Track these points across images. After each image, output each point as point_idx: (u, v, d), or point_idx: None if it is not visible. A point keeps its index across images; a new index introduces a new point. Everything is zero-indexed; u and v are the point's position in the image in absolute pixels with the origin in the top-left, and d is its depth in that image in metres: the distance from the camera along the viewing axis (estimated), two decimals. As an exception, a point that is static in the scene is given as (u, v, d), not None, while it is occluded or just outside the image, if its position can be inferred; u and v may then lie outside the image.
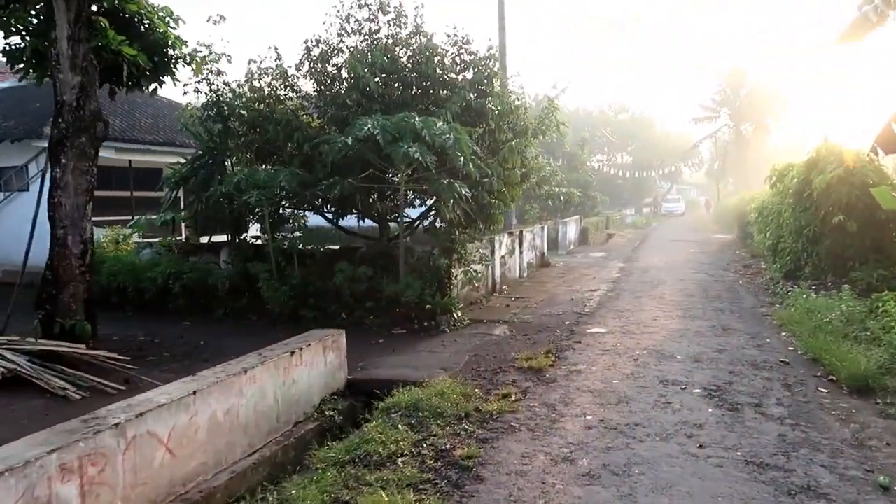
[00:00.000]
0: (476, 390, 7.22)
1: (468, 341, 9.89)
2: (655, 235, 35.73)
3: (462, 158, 10.67)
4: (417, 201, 13.86)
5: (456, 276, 11.72)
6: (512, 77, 18.28)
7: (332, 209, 13.22)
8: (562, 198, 20.43)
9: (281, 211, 13.00)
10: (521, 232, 17.52)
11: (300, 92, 13.68)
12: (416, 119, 10.47)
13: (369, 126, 10.31)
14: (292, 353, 6.76)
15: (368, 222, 14.58)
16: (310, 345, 7.14)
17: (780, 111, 50.51)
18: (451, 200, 10.92)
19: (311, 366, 7.10)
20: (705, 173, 73.81)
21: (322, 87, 13.38)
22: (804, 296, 11.82)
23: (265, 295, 11.54)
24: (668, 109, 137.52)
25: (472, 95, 12.93)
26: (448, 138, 10.35)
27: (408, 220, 13.86)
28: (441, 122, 10.84)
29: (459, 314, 11.18)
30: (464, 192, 10.68)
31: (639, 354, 8.64)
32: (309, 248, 11.84)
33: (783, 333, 9.84)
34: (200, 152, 13.47)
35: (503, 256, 15.66)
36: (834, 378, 7.32)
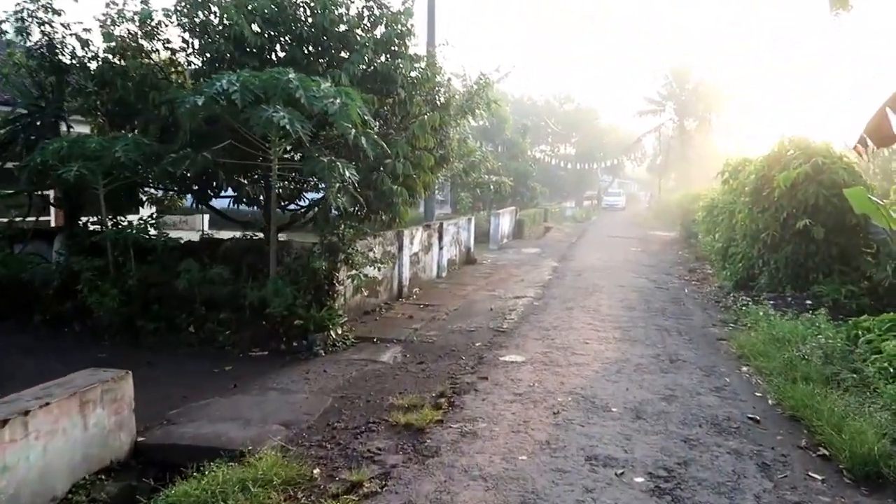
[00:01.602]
0: (316, 471, 4.79)
1: (341, 372, 7.42)
2: (595, 230, 34.01)
3: (352, 131, 8.16)
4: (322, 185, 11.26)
5: (341, 281, 9.20)
6: (440, 46, 15.86)
7: (202, 189, 10.46)
8: (491, 187, 18.16)
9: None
10: (440, 225, 15.11)
11: (170, 44, 10.83)
12: (291, 76, 7.89)
13: (224, 82, 7.68)
14: (5, 422, 4.15)
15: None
16: (52, 403, 4.51)
17: (724, 107, 49.66)
18: (337, 185, 8.39)
19: (52, 436, 4.50)
20: (647, 168, 73.31)
21: (194, 38, 10.59)
22: (765, 316, 9.83)
23: (87, 299, 8.76)
24: (615, 102, 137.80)
25: (382, 58, 10.43)
26: (331, 103, 7.80)
27: (298, 208, 11.29)
28: (328, 84, 8.29)
29: (341, 331, 8.70)
30: (349, 174, 8.16)
31: (561, 403, 6.34)
32: (148, 238, 9.05)
33: (745, 368, 7.75)
34: (23, 111, 10.46)
35: (416, 254, 13.22)
36: (827, 454, 5.18)
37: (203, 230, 18.97)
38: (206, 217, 19.92)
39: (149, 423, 5.67)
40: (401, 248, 12.05)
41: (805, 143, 12.30)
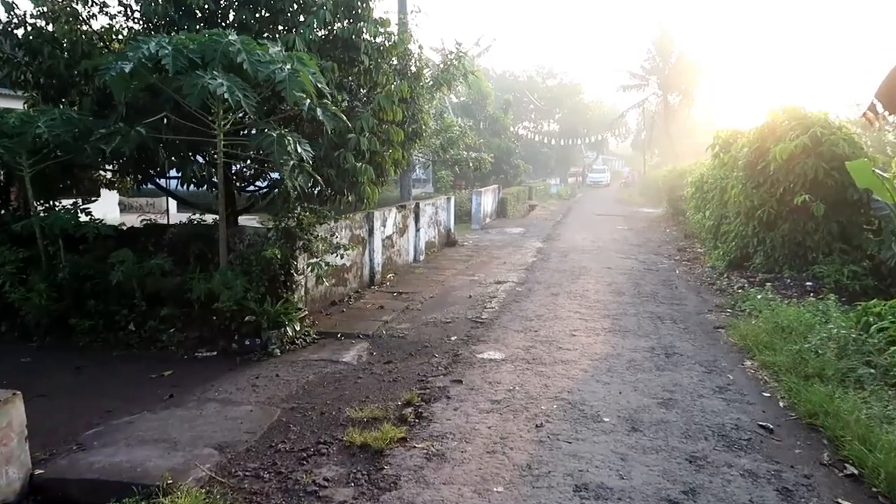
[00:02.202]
0: (246, 511, 3.91)
1: (296, 376, 6.53)
2: (580, 208, 33.24)
3: (307, 102, 7.21)
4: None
5: (300, 271, 8.28)
6: (412, 13, 14.82)
7: (142, 169, 9.43)
8: (471, 164, 17.22)
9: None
10: (416, 205, 14.18)
11: (107, 8, 9.72)
12: (233, 38, 6.90)
13: (153, 45, 6.70)
14: None
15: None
16: None
17: (708, 81, 48.85)
18: (292, 163, 7.42)
19: None
20: (631, 144, 72.63)
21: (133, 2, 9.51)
22: (765, 300, 9.07)
23: (7, 295, 7.78)
24: (598, 77, 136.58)
25: (343, 22, 9.44)
26: (279, 70, 6.83)
27: (257, 189, 10.31)
28: (277, 49, 7.31)
29: (299, 327, 7.78)
30: (301, 149, 7.20)
31: (545, 412, 5.50)
32: (76, 225, 8.02)
33: (748, 363, 6.95)
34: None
35: (389, 237, 12.30)
36: (857, 473, 4.39)
37: (169, 214, 17.92)
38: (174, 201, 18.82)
39: (56, 449, 4.77)
40: (371, 232, 11.12)
41: (801, 113, 11.48)
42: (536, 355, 7.16)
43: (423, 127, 11.62)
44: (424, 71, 12.05)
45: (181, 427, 5.19)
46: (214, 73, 6.62)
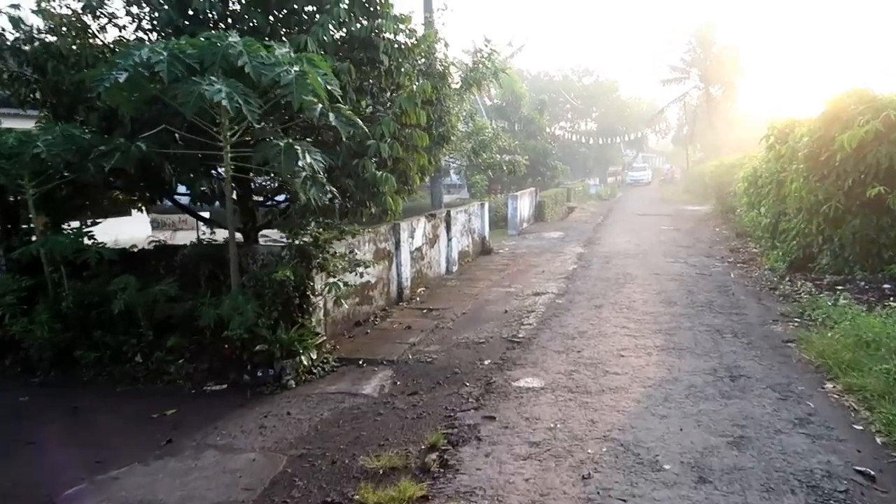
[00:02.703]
0: None
1: (309, 414, 5.83)
2: (621, 208, 32.01)
3: (318, 107, 6.58)
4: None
5: (318, 292, 7.60)
6: (439, 11, 14.16)
7: (150, 187, 8.91)
8: (504, 167, 16.40)
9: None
10: (447, 213, 13.42)
11: (116, 19, 9.29)
12: (233, 40, 6.29)
13: (145, 52, 6.14)
14: None
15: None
16: None
17: (753, 71, 46.83)
18: (303, 174, 6.76)
19: None
20: (672, 140, 70.56)
21: (134, 6, 9.03)
22: (839, 307, 8.02)
23: (9, 327, 7.30)
24: (635, 73, 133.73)
25: (360, 20, 8.81)
26: (284, 72, 6.19)
27: (275, 203, 9.72)
28: (285, 50, 6.66)
29: (315, 355, 7.08)
30: (311, 159, 6.52)
31: (593, 457, 4.66)
32: (79, 249, 7.48)
33: (830, 385, 5.97)
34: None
35: (418, 249, 11.57)
36: None
37: (199, 231, 17.59)
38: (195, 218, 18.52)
39: (26, 517, 4.14)
40: (398, 245, 10.40)
41: (869, 95, 10.32)
42: (580, 382, 6.30)
43: (451, 130, 10.86)
44: (451, 70, 11.30)
45: (171, 484, 4.52)
46: (212, 78, 6.00)
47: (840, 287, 9.68)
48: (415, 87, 8.81)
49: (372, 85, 9.36)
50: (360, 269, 7.78)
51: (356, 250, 8.94)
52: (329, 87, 6.68)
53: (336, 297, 7.40)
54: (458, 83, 13.59)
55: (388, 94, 9.53)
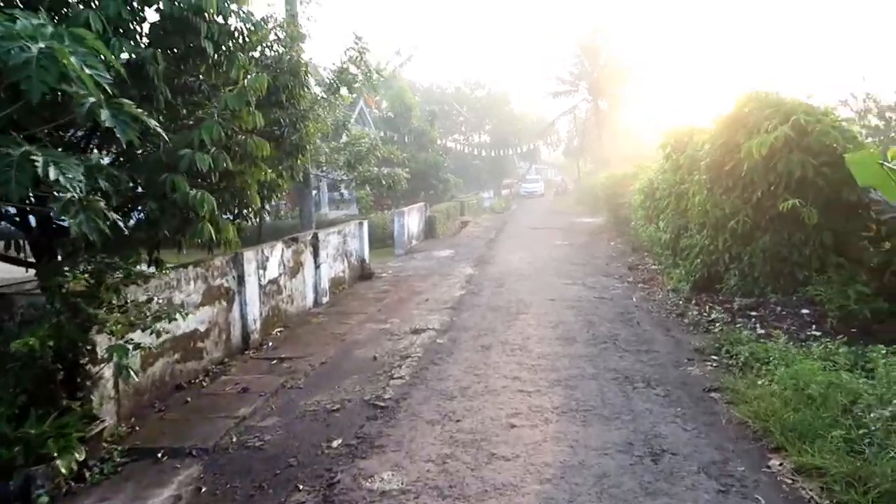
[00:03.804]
0: None
1: (35, 571, 3.72)
2: (515, 222, 31.10)
3: (88, 100, 4.52)
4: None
5: (102, 358, 5.46)
6: (303, 3, 12.25)
7: None
8: (383, 181, 14.70)
9: None
10: (314, 237, 11.44)
11: None
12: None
13: None
14: None
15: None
16: None
17: (642, 82, 47.79)
18: (68, 196, 4.64)
19: None
20: (563, 152, 71.65)
21: None
22: (766, 346, 6.80)
23: None
24: (526, 85, 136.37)
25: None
26: (19, 48, 4.09)
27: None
28: (37, 21, 4.52)
29: (81, 456, 4.92)
30: (57, 174, 4.42)
31: None
32: None
33: (775, 463, 4.56)
34: None
35: (273, 281, 9.52)
36: None
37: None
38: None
39: None
40: (241, 280, 8.34)
41: (776, 98, 9.38)
42: (456, 476, 4.56)
43: (308, 138, 8.96)
44: (308, 68, 9.40)
45: None
46: None
47: (754, 313, 8.60)
48: (246, 81, 6.84)
49: (200, 82, 7.35)
50: (160, 326, 5.62)
51: (175, 292, 6.84)
52: (91, 73, 4.63)
53: (120, 366, 5.26)
54: (319, 85, 11.76)
55: (224, 92, 7.54)
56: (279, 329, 9.44)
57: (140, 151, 6.59)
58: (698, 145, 10.83)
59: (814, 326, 7.75)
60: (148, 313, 5.69)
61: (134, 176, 6.23)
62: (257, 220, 13.50)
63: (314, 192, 29.40)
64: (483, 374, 6.86)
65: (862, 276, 8.13)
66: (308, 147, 9.04)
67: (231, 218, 7.92)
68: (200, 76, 7.44)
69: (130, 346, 5.30)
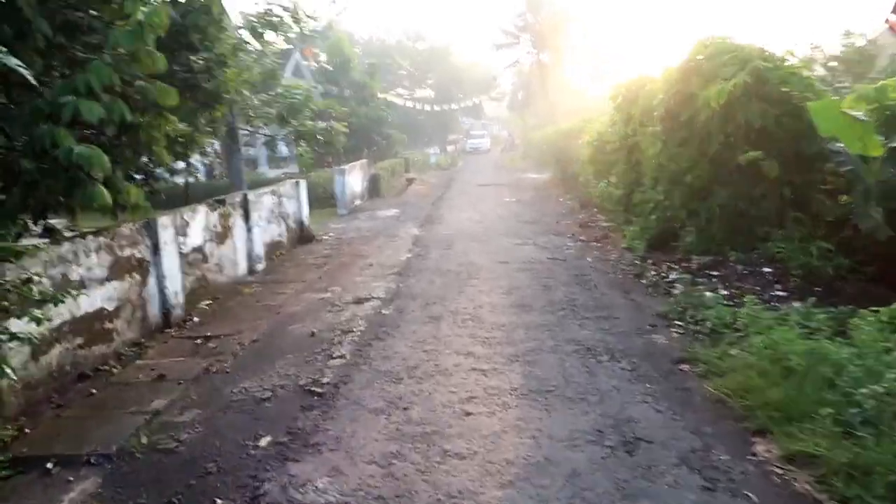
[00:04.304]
0: None
1: None
2: (461, 178, 30.37)
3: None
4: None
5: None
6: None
7: None
8: (319, 136, 13.70)
9: None
10: (244, 198, 10.45)
11: None
12: None
13: None
14: None
15: None
16: None
17: (585, 35, 47.17)
18: None
19: None
20: (507, 106, 70.82)
21: None
22: (734, 310, 6.37)
23: None
24: (469, 38, 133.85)
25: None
26: None
27: None
28: None
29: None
30: None
31: None
32: None
33: (761, 448, 4.10)
34: None
35: (197, 249, 8.58)
36: None
37: None
38: None
39: None
40: (157, 249, 7.38)
41: (732, 45, 8.85)
42: (403, 482, 3.91)
43: (225, 85, 7.93)
44: (223, 6, 8.30)
45: None
46: None
47: (714, 272, 8.20)
48: (143, 15, 5.79)
49: (90, 18, 6.28)
50: (40, 311, 4.68)
51: (72, 266, 5.88)
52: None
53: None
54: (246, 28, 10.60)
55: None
56: (207, 302, 8.54)
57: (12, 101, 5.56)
58: (651, 95, 10.27)
59: (777, 286, 7.39)
60: (31, 295, 4.76)
61: (5, 129, 5.21)
62: (184, 180, 12.38)
63: (249, 149, 27.92)
64: (433, 351, 6.21)
65: (821, 231, 7.82)
66: (226, 96, 8.02)
67: (139, 178, 6.95)
68: (91, 11, 6.37)
69: (4, 338, 4.39)
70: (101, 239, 6.42)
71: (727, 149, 8.41)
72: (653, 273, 8.77)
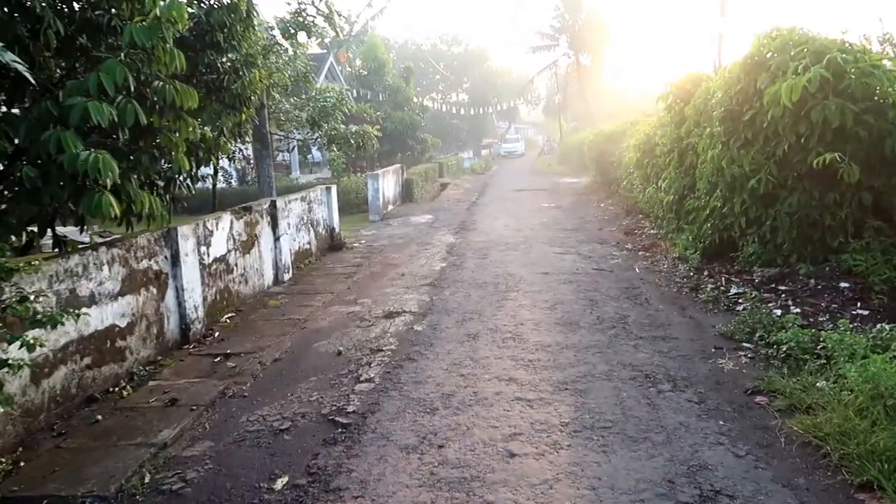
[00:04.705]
0: None
1: None
2: (496, 183, 29.73)
3: None
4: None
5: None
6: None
7: None
8: (352, 141, 13.22)
9: None
10: (272, 205, 9.99)
11: None
12: None
13: None
14: None
15: None
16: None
17: (624, 36, 46.08)
18: None
19: None
20: (543, 110, 69.89)
21: None
22: (813, 333, 5.60)
23: None
24: (504, 41, 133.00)
25: None
26: None
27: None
28: None
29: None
30: None
31: None
32: None
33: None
34: None
35: (220, 259, 8.12)
36: None
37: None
38: None
39: None
40: (176, 259, 6.92)
41: (805, 36, 8.03)
42: (440, 544, 3.30)
43: (252, 87, 7.44)
44: (251, 4, 7.83)
45: None
46: None
47: (783, 287, 7.41)
48: (158, 10, 5.31)
49: (110, 17, 5.85)
50: (32, 336, 4.17)
51: (82, 280, 5.42)
52: None
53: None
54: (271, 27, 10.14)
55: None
56: (229, 315, 8.08)
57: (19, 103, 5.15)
58: (708, 94, 9.50)
59: (858, 304, 6.58)
60: (26, 315, 4.28)
61: (9, 132, 4.77)
62: (212, 186, 12.00)
63: (283, 154, 27.71)
64: (470, 375, 5.58)
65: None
66: (253, 98, 7.53)
67: (160, 185, 6.50)
68: (113, 10, 5.94)
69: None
70: (115, 250, 5.96)
71: (798, 150, 7.60)
72: (711, 286, 8.00)
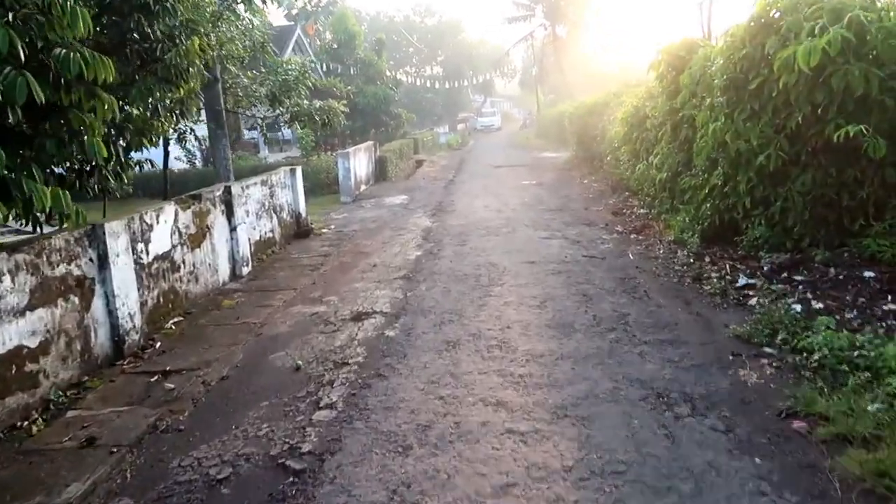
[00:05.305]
0: None
1: None
2: (474, 159, 28.73)
3: None
4: None
5: None
6: None
7: None
8: (316, 117, 12.16)
9: None
10: (227, 191, 8.94)
11: None
12: None
13: None
14: None
15: None
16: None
17: (599, 7, 44.85)
18: None
19: None
20: (519, 83, 68.60)
21: None
22: (849, 337, 4.81)
23: None
24: (479, 12, 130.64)
25: None
26: None
27: None
28: None
29: None
30: None
31: None
32: None
33: None
34: None
35: (163, 257, 7.11)
36: None
37: None
38: None
39: None
40: (103, 262, 5.90)
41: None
42: None
43: (188, 57, 6.37)
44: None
45: None
46: None
47: (797, 277, 6.61)
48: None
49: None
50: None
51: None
52: None
53: None
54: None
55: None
56: (176, 319, 7.10)
57: None
58: (707, 60, 8.61)
59: (889, 297, 5.80)
60: None
61: None
62: (163, 170, 10.89)
63: (253, 133, 26.38)
64: (451, 398, 4.70)
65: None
66: (192, 70, 6.46)
67: (65, 177, 5.48)
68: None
69: None
70: (20, 256, 4.93)
71: (814, 122, 6.76)
72: (715, 275, 7.20)
